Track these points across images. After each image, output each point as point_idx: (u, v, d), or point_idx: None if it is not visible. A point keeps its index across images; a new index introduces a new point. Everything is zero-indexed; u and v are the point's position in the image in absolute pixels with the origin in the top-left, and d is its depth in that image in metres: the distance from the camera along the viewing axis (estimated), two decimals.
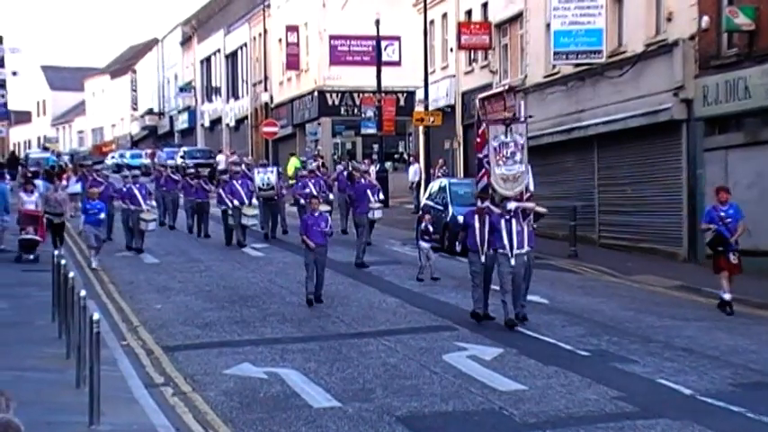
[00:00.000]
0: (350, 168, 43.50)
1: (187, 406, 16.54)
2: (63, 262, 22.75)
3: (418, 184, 47.80)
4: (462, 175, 48.06)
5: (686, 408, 15.93)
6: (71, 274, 20.09)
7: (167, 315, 24.34)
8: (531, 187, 24.23)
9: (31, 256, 30.17)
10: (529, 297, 22.45)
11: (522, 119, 25.04)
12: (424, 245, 28.92)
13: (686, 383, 17.27)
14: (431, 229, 29.42)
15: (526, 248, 21.87)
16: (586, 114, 37.48)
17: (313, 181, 37.28)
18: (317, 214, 25.70)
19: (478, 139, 25.48)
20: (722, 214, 24.31)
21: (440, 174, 44.62)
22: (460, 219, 33.85)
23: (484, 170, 24.28)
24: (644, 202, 34.54)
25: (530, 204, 22.98)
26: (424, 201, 38.98)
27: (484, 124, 25.67)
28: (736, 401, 16.07)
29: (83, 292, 18.01)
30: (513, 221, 21.64)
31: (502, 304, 21.67)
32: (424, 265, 28.75)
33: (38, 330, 21.39)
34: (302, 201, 34.99)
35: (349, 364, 19.09)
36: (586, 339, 20.87)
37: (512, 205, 22.23)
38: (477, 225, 22.30)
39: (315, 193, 32.62)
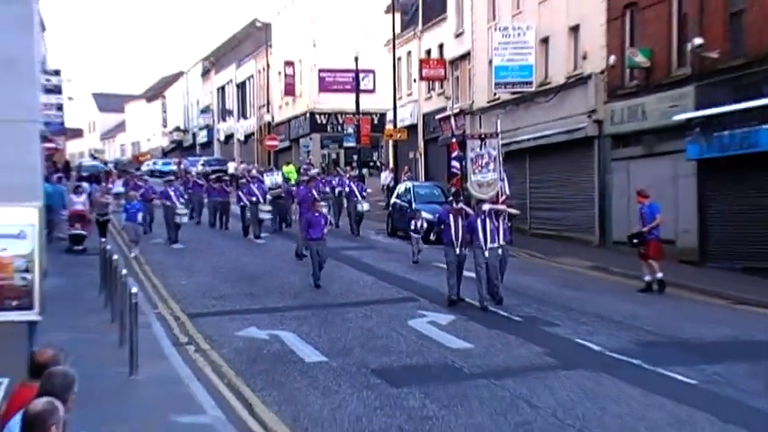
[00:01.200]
0: (340, 173, 43.35)
1: (206, 360, 16.67)
2: (108, 247, 22.81)
3: (389, 186, 47.74)
4: (423, 178, 48.12)
5: (597, 361, 16.09)
6: (114, 257, 20.13)
7: (190, 289, 24.40)
8: (507, 191, 23.94)
9: (80, 247, 29.94)
10: (472, 275, 21.84)
11: (496, 134, 24.81)
12: (415, 236, 28.81)
13: (597, 342, 17.44)
14: (421, 225, 29.12)
15: (498, 243, 21.42)
16: (520, 132, 37.47)
17: (313, 185, 36.65)
18: (317, 214, 25.44)
19: (453, 152, 25.23)
20: (639, 212, 24.40)
21: (405, 178, 44.58)
22: (424, 214, 34.04)
23: (455, 178, 24.20)
24: (565, 201, 34.67)
25: (501, 207, 22.65)
26: (393, 199, 38.83)
27: (454, 139, 25.64)
28: (634, 356, 16.26)
29: (124, 271, 18.12)
30: (488, 220, 21.24)
31: (478, 289, 21.10)
32: (415, 251, 28.53)
33: (88, 301, 21.41)
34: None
35: (334, 328, 19.18)
36: (520, 308, 20.92)
37: (486, 207, 21.86)
38: (452, 223, 21.77)
39: (316, 196, 32.49)
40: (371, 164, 59.29)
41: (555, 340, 17.88)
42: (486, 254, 20.90)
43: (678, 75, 29.31)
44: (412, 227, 29.66)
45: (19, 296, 12.19)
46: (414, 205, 35.84)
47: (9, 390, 8.51)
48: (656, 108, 29.81)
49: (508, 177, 25.79)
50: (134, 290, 15.96)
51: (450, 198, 23.69)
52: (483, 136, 24.54)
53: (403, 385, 14.54)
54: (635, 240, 24.34)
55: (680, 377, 14.77)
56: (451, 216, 21.93)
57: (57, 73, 51.25)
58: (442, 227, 22.58)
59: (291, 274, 26.66)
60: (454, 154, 25.00)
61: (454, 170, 24.55)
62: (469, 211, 22.46)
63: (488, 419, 12.72)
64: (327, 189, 38.42)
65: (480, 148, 24.18)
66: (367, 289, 24.33)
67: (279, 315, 20.63)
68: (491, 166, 23.78)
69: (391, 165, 53.63)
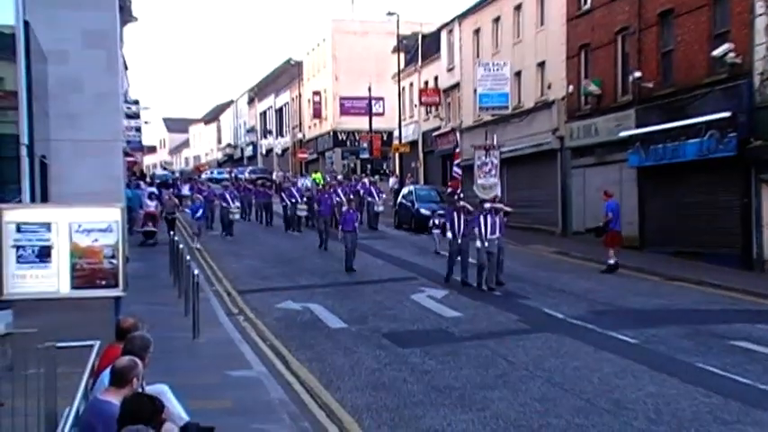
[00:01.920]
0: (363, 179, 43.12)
1: (252, 327, 16.69)
2: (176, 239, 22.87)
3: (395, 189, 47.68)
4: (423, 182, 48.03)
5: (560, 326, 16.13)
6: (180, 246, 20.20)
7: (240, 271, 24.38)
8: (498, 194, 23.53)
9: (151, 241, 29.84)
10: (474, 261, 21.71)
11: (497, 146, 24.39)
12: (435, 232, 27.63)
13: (560, 311, 17.46)
14: (439, 222, 27.24)
15: (497, 235, 20.66)
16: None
17: (341, 189, 36.34)
18: (351, 211, 25.29)
19: (455, 159, 24.82)
20: (606, 208, 24.25)
21: (409, 182, 44.49)
22: (423, 211, 34.00)
23: (455, 181, 23.92)
24: (534, 200, 34.55)
25: (499, 205, 22.21)
26: (399, 199, 38.77)
27: (457, 149, 25.28)
28: (589, 321, 16.30)
29: (188, 257, 18.17)
30: (488, 216, 20.77)
31: (477, 276, 20.66)
32: (436, 244, 27.29)
33: (160, 280, 21.43)
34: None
35: (353, 301, 19.20)
36: (480, 279, 20.71)
37: (487, 205, 21.51)
38: (455, 218, 21.44)
39: (343, 198, 32.39)
40: (381, 171, 59.13)
41: (527, 310, 17.90)
42: (487, 244, 20.42)
43: (622, 100, 29.24)
44: (431, 224, 28.77)
45: (107, 277, 12.23)
46: (416, 204, 35.88)
47: (100, 350, 8.56)
48: (605, 126, 29.76)
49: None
50: (196, 272, 16.05)
51: (455, 198, 23.29)
52: (487, 147, 24.31)
53: (407, 346, 14.58)
54: (595, 232, 24.32)
55: (624, 338, 14.82)
56: (455, 213, 21.72)
57: (136, 102, 51.23)
58: (446, 223, 22.25)
59: (319, 259, 26.68)
60: (457, 161, 24.70)
61: (456, 174, 24.28)
62: (470, 208, 22.07)
63: (474, 372, 12.75)
64: (352, 192, 38.20)
65: (485, 157, 23.92)
66: (379, 270, 24.27)
67: (309, 291, 20.63)
68: (492, 172, 23.56)
69: (397, 172, 53.63)
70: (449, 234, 21.91)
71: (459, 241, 21.25)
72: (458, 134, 40.74)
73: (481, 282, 20.44)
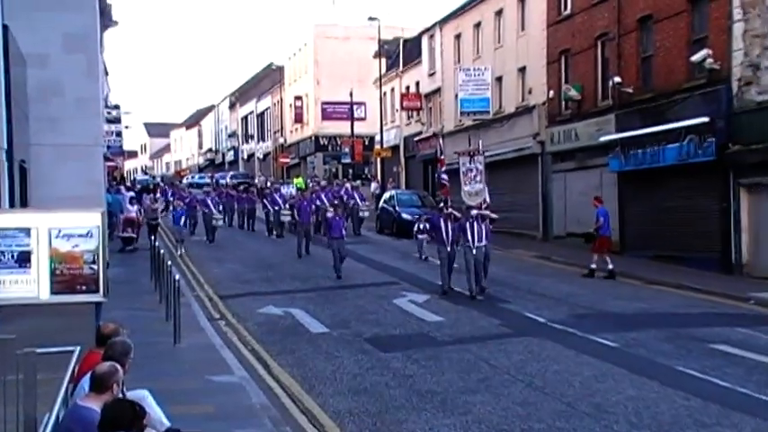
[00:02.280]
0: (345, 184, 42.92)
1: (234, 332, 16.64)
2: (157, 244, 22.78)
3: (377, 193, 47.70)
4: (405, 187, 48.07)
5: (542, 330, 16.16)
6: (162, 251, 20.12)
7: (221, 276, 24.30)
8: (487, 199, 23.00)
9: (130, 248, 29.49)
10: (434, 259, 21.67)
11: (481, 152, 24.05)
12: (421, 237, 27.40)
13: (541, 315, 17.51)
14: (424, 227, 26.89)
15: (484, 242, 20.45)
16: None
17: (324, 194, 36.11)
18: (337, 218, 24.95)
19: (440, 166, 24.47)
20: (597, 215, 24.10)
21: (390, 187, 44.51)
22: (405, 216, 33.96)
23: (444, 188, 23.54)
24: (516, 205, 34.67)
25: (486, 212, 21.80)
26: (381, 204, 38.76)
27: (442, 156, 24.97)
28: (570, 325, 16.35)
29: (169, 263, 18.12)
30: (475, 223, 20.41)
31: (468, 282, 20.14)
32: (423, 250, 26.99)
33: (141, 285, 21.33)
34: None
35: (334, 306, 19.16)
36: (471, 285, 20.51)
37: (474, 212, 21.11)
38: (443, 226, 20.99)
39: (326, 203, 32.36)
40: (363, 176, 59.12)
41: (509, 314, 17.91)
42: (474, 252, 20.06)
43: (602, 105, 29.40)
44: (415, 229, 28.49)
45: (87, 282, 12.17)
46: (397, 209, 35.87)
47: (80, 355, 8.53)
48: (586, 131, 29.92)
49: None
50: (177, 277, 15.97)
51: (443, 205, 23.05)
52: (471, 153, 24.07)
53: (390, 350, 14.57)
54: (585, 237, 24.36)
55: (605, 341, 14.86)
56: (442, 220, 21.31)
57: (116, 107, 51.08)
58: (433, 229, 21.84)
59: (300, 264, 26.63)
60: (443, 168, 24.39)
61: (443, 181, 23.90)
62: (458, 215, 21.61)
63: (456, 376, 12.75)
64: (336, 198, 37.97)
65: (470, 163, 23.63)
66: (361, 274, 24.19)
67: (291, 296, 20.57)
68: (478, 178, 23.15)
69: (378, 177, 53.63)
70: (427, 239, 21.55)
71: (449, 249, 20.74)
72: (440, 139, 40.72)
73: (472, 289, 19.98)
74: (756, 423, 10.33)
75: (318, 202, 33.66)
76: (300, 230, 29.56)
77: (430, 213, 24.10)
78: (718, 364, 13.15)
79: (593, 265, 23.35)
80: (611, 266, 23.04)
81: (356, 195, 37.17)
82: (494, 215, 22.47)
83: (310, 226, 30.45)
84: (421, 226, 27.68)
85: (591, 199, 25.37)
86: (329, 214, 26.16)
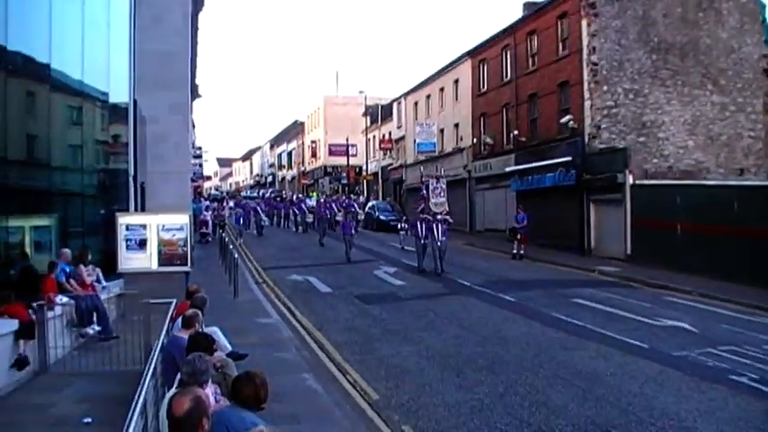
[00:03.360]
0: (344, 197, 42.44)
1: (271, 291, 16.53)
2: (224, 236, 22.63)
3: (364, 203, 47.49)
4: (381, 199, 47.78)
5: (469, 290, 16.11)
6: (226, 239, 20.02)
7: (264, 255, 23.95)
8: (447, 208, 22.16)
9: (205, 240, 28.52)
10: (409, 248, 21.42)
11: (442, 176, 23.32)
12: (402, 233, 26.03)
13: (468, 280, 17.44)
14: (403, 226, 25.26)
15: (444, 237, 19.65)
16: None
17: (333, 202, 35.09)
18: (347, 220, 24.46)
19: (422, 186, 23.48)
20: (516, 218, 23.87)
21: (372, 199, 44.25)
22: (381, 217, 33.64)
23: (423, 199, 22.84)
24: (452, 212, 34.32)
25: (447, 216, 21.08)
26: (366, 210, 38.32)
27: (422, 176, 24.01)
28: (486, 287, 16.30)
29: (231, 247, 18.04)
30: (440, 225, 19.87)
31: (433, 264, 19.29)
32: (402, 241, 25.69)
33: (214, 261, 21.10)
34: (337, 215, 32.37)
35: (336, 275, 18.99)
36: (436, 266, 20.50)
37: (439, 217, 20.62)
38: (419, 226, 20.22)
39: (336, 209, 31.68)
40: (355, 192, 58.87)
41: (448, 281, 17.84)
42: (438, 243, 19.49)
43: (507, 148, 29.46)
44: (399, 227, 27.42)
45: (181, 259, 12.28)
46: (376, 212, 35.83)
47: (176, 305, 8.60)
48: (497, 164, 29.98)
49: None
50: (236, 255, 16.01)
51: (419, 211, 22.11)
52: (438, 176, 23.45)
53: (370, 303, 14.53)
54: (512, 232, 24.09)
55: (508, 297, 14.89)
56: (419, 222, 20.59)
57: (199, 148, 50.82)
58: (413, 228, 20.98)
59: (316, 249, 26.52)
60: (422, 186, 23.60)
61: (422, 195, 23.20)
62: (429, 218, 20.79)
63: (413, 320, 12.79)
64: (343, 207, 37.54)
65: (437, 183, 23.01)
66: (353, 255, 23.94)
67: (308, 268, 20.40)
68: (441, 194, 22.60)
69: (365, 192, 53.55)
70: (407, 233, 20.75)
71: (422, 242, 20.09)
72: (404, 168, 40.63)
73: (437, 267, 19.24)
74: (597, 346, 10.55)
75: (330, 207, 33.26)
76: (322, 226, 29.14)
77: (412, 219, 23.05)
78: (575, 311, 13.28)
79: (515, 251, 22.74)
80: (517, 251, 22.88)
81: (354, 204, 37.05)
82: (450, 219, 22.15)
83: (326, 223, 30.17)
84: (403, 225, 26.93)
85: (500, 208, 25.29)
86: (339, 218, 25.74)
